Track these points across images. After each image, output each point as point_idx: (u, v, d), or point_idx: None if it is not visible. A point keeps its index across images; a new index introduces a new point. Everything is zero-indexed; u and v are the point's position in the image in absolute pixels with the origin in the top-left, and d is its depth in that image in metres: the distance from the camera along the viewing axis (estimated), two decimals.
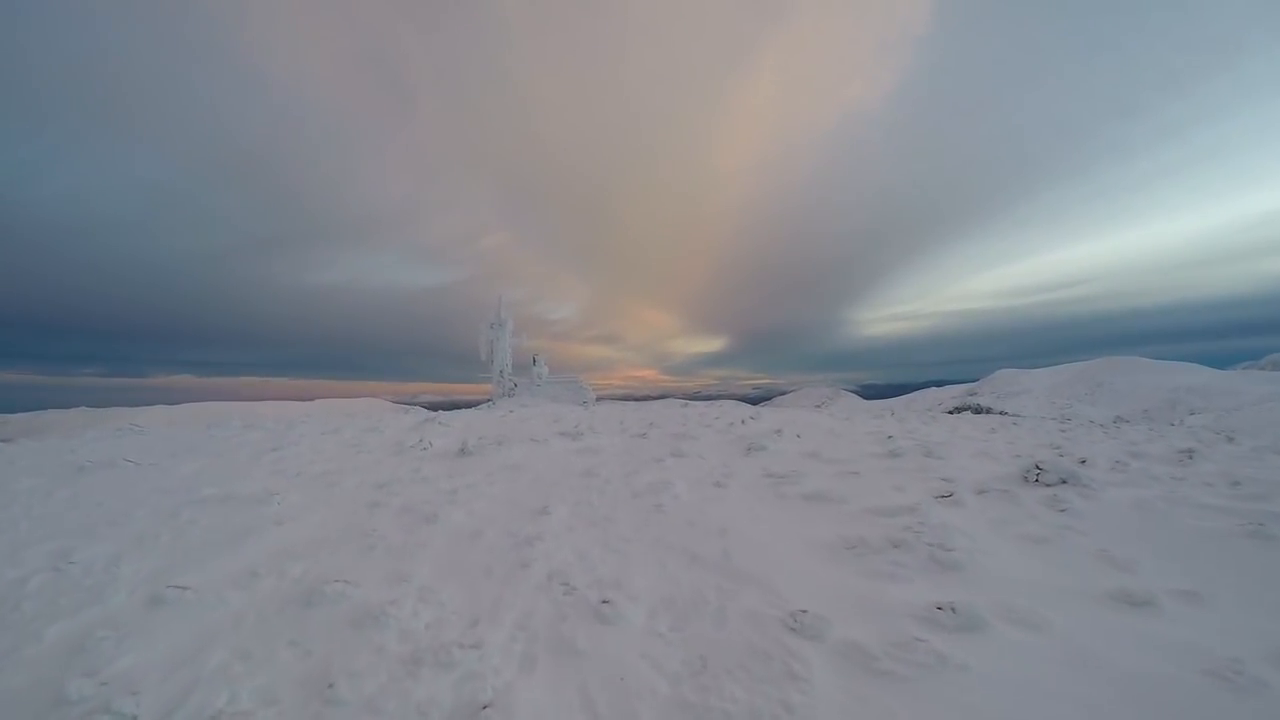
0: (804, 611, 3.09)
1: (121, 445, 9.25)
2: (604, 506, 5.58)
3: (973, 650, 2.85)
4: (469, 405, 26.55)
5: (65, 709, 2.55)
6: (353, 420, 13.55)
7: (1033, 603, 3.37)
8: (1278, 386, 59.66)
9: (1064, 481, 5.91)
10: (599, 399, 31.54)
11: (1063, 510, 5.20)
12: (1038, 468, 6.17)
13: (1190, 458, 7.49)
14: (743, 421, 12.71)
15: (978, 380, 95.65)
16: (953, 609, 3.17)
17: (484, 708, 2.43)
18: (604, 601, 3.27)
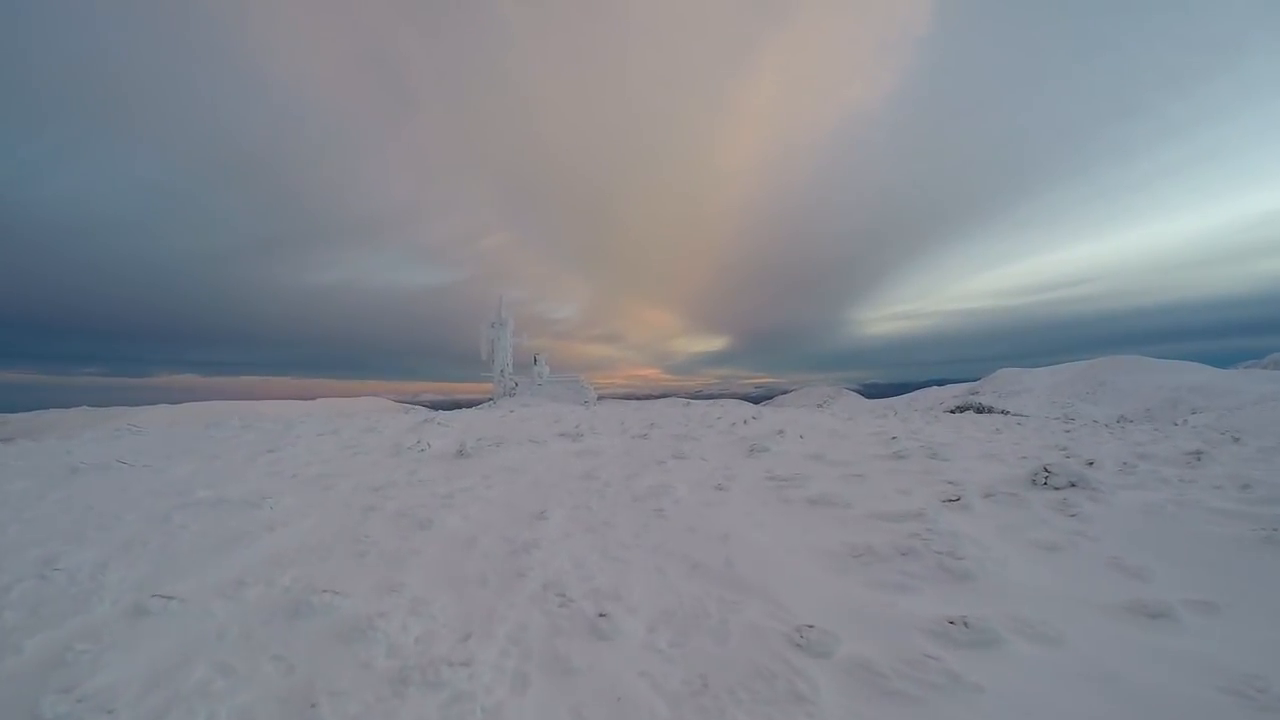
0: (810, 626, 2.95)
1: (117, 446, 9.17)
2: (603, 511, 5.45)
3: (987, 668, 2.72)
4: (471, 405, 26.48)
5: None
6: (352, 421, 13.45)
7: (1047, 615, 3.25)
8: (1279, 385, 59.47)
9: (1073, 484, 5.77)
10: (600, 398, 31.46)
11: (1073, 515, 5.07)
12: (1046, 470, 6.03)
13: (1198, 459, 7.34)
14: (745, 422, 12.58)
15: (979, 379, 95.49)
16: (965, 623, 3.04)
17: None
18: (601, 615, 3.13)
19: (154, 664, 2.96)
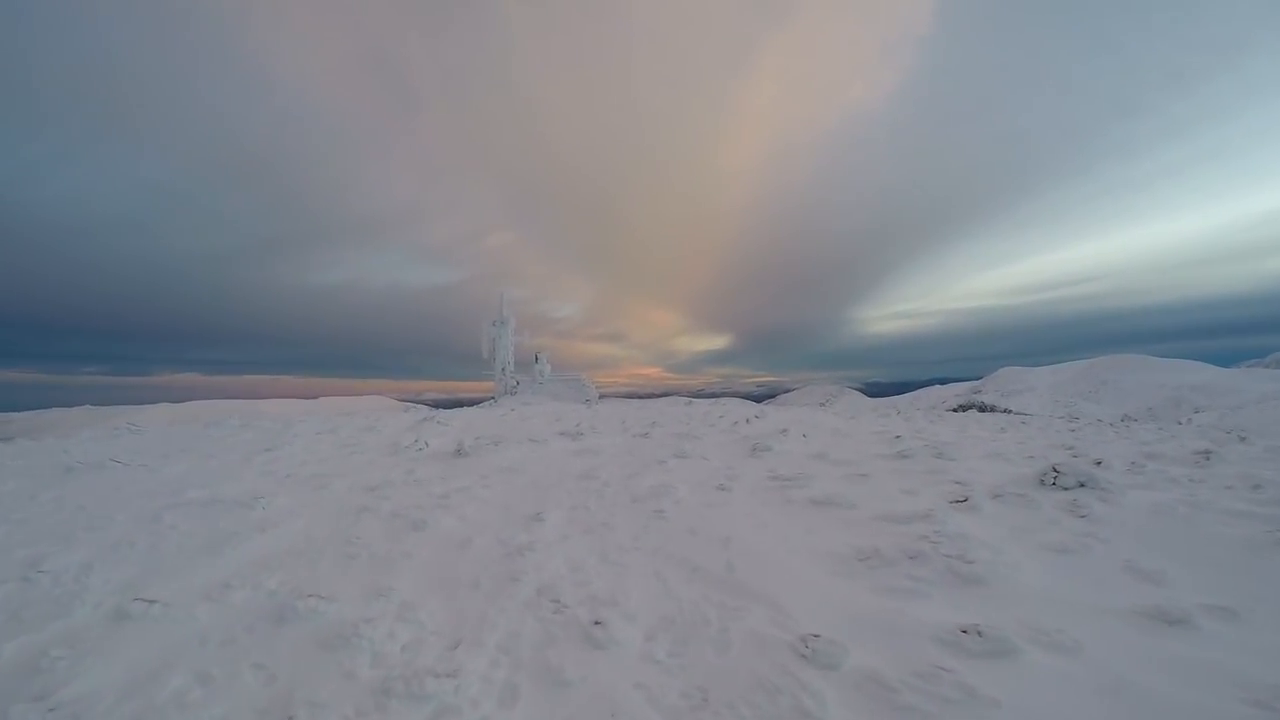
0: (816, 635, 2.80)
1: (114, 445, 9.09)
2: (602, 512, 5.32)
3: (1003, 680, 2.57)
4: (473, 403, 26.43)
5: None
6: (351, 419, 13.37)
7: (1062, 622, 3.10)
8: None
9: (1082, 485, 5.62)
10: (602, 397, 31.35)
11: (1083, 516, 4.92)
12: (1055, 470, 5.87)
13: (1207, 459, 7.18)
14: (747, 420, 12.44)
15: (981, 378, 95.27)
16: (979, 632, 2.90)
17: None
18: (596, 623, 2.99)
19: (132, 671, 2.85)
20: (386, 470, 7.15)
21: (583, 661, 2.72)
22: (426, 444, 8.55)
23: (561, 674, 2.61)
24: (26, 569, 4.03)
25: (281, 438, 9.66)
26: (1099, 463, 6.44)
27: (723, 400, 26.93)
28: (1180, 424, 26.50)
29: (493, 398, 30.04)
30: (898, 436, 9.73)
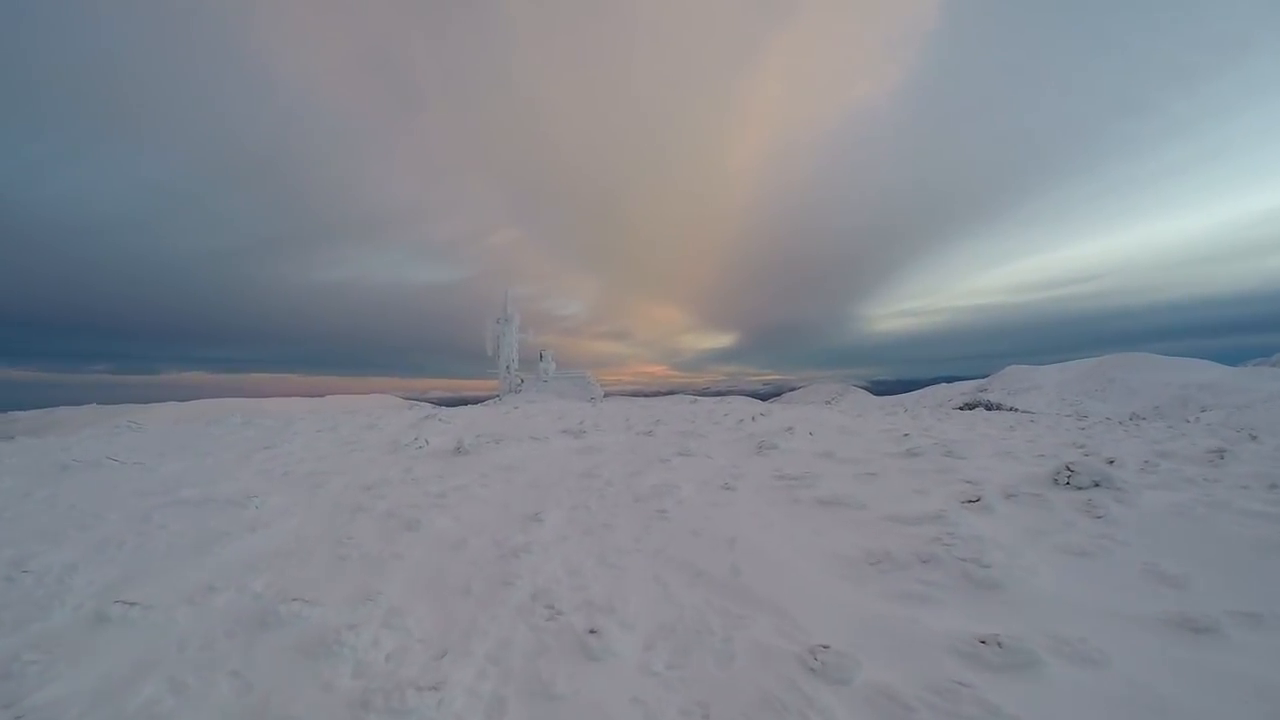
0: (825, 647, 2.62)
1: (112, 444, 9.03)
2: (602, 512, 5.15)
3: (1025, 695, 2.39)
4: (478, 401, 26.38)
5: None
6: (353, 417, 13.29)
7: (1085, 631, 2.92)
8: None
9: (1097, 484, 5.41)
10: (607, 395, 31.20)
11: (1099, 517, 4.73)
12: (1069, 469, 5.66)
13: (1221, 458, 6.96)
14: (753, 418, 12.25)
15: (987, 376, 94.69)
16: (999, 643, 2.71)
17: None
18: (591, 631, 2.80)
19: (105, 677, 2.72)
20: (385, 469, 7.02)
21: (576, 673, 2.54)
22: (427, 442, 8.42)
23: (552, 687, 2.43)
24: (10, 568, 3.93)
25: (281, 436, 9.58)
26: (1112, 461, 6.23)
27: (728, 398, 26.73)
28: (1188, 422, 26.09)
29: (497, 395, 29.98)
30: (906, 434, 9.53)
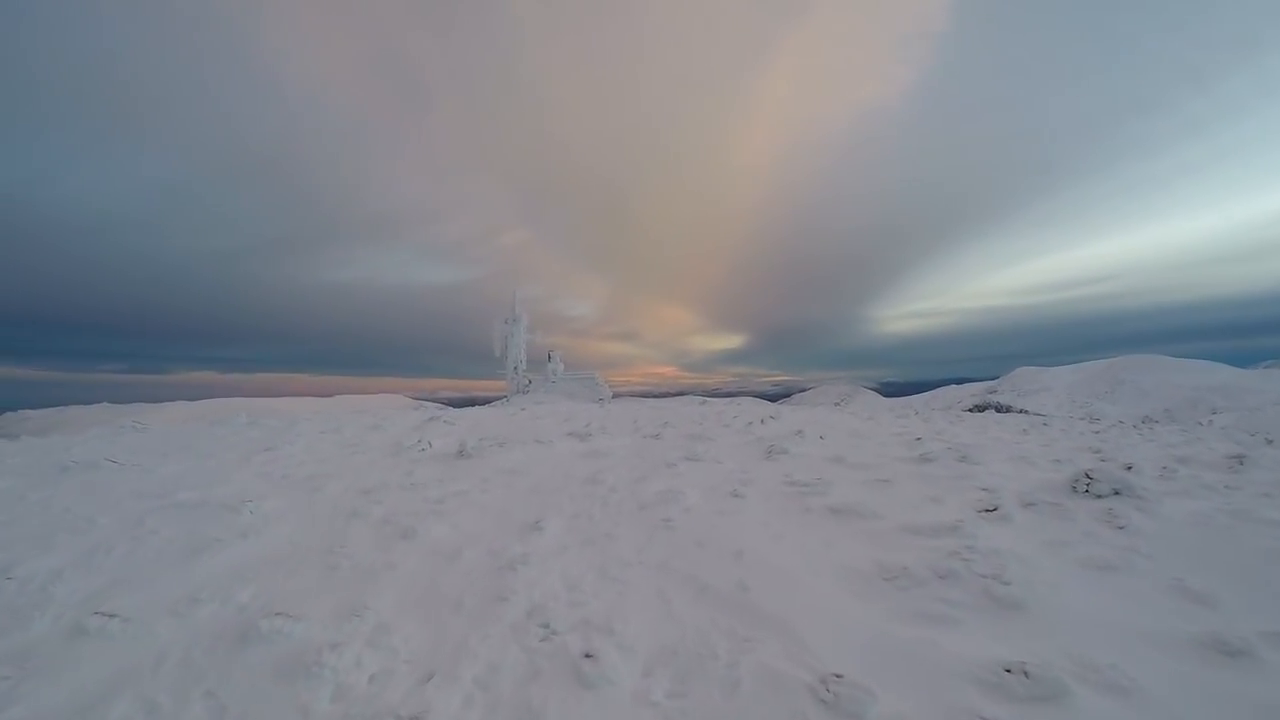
0: (838, 676, 2.42)
1: (113, 445, 8.97)
2: (605, 521, 4.96)
3: None
4: (486, 402, 26.32)
5: None
6: (358, 418, 13.21)
7: (1114, 655, 2.71)
8: None
9: (1117, 492, 5.16)
10: (616, 396, 31.05)
11: (1121, 528, 4.51)
12: (1087, 476, 5.41)
13: (1240, 464, 6.68)
14: (762, 421, 12.03)
15: (997, 378, 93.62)
16: (1025, 672, 2.50)
17: None
18: (587, 655, 2.61)
19: (76, 695, 2.58)
20: (385, 472, 6.88)
21: (569, 701, 2.36)
22: (430, 444, 8.28)
23: (543, 717, 2.26)
24: None
25: (284, 436, 9.48)
26: (1130, 468, 5.96)
27: (738, 400, 26.47)
28: (1200, 425, 25.49)
29: (505, 396, 29.92)
30: (918, 439, 9.27)
